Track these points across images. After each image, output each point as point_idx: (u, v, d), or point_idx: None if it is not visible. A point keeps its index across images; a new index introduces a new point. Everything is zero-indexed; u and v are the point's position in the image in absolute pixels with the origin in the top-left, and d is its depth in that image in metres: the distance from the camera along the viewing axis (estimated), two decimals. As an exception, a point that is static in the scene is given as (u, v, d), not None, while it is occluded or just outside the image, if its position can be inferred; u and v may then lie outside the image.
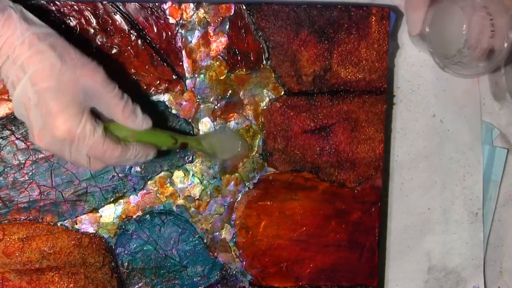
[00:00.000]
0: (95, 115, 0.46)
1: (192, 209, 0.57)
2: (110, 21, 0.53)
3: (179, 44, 0.55)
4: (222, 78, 0.56)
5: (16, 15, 0.43)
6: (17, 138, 0.53)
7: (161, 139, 0.51)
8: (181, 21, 0.54)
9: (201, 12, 0.55)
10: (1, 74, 0.44)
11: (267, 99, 0.57)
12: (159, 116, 0.55)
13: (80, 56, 0.45)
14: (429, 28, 0.55)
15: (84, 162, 0.46)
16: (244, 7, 0.55)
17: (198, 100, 0.56)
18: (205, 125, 0.56)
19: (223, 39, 0.55)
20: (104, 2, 0.53)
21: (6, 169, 0.54)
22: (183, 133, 0.55)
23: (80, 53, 0.45)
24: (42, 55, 0.43)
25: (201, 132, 0.56)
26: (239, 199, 0.58)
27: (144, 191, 0.56)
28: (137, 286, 0.57)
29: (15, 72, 0.43)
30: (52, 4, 0.52)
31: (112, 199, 0.55)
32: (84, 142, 0.44)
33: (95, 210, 0.55)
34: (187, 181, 0.57)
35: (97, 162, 0.47)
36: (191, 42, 0.55)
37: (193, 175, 0.57)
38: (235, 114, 0.57)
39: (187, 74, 0.55)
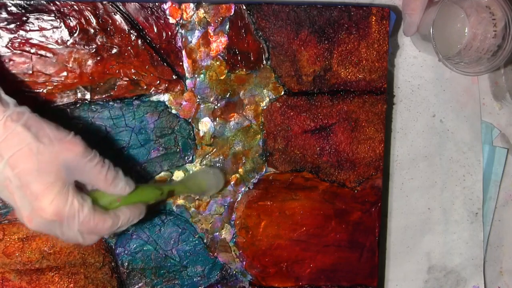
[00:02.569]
0: (78, 187, 0.45)
1: (192, 209, 0.57)
2: (110, 21, 0.53)
3: (179, 44, 0.55)
4: (222, 78, 0.56)
5: None
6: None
7: (147, 195, 0.49)
8: (181, 21, 0.54)
9: (201, 12, 0.55)
10: None
11: (267, 99, 0.57)
12: (159, 116, 0.55)
13: (55, 131, 0.43)
14: (432, 28, 0.55)
15: (78, 238, 0.45)
16: (244, 7, 0.55)
17: (198, 100, 0.56)
18: (205, 125, 0.56)
19: (223, 39, 0.55)
20: (104, 2, 0.53)
21: (6, 169, 0.54)
22: (163, 181, 0.55)
23: (55, 127, 0.43)
24: (18, 137, 0.41)
25: (201, 133, 0.56)
26: (239, 199, 0.58)
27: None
28: (137, 286, 0.57)
29: None
30: (52, 4, 0.52)
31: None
32: (74, 220, 0.43)
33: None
34: (187, 181, 0.57)
35: (91, 236, 0.46)
36: (191, 42, 0.55)
37: (193, 175, 0.57)
38: (235, 114, 0.57)
39: (187, 74, 0.55)
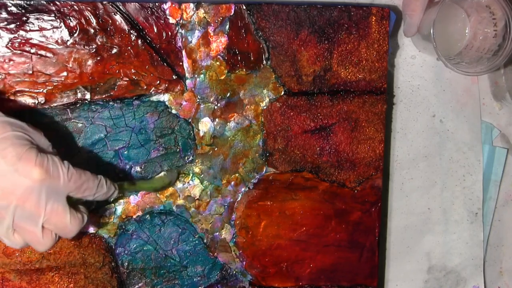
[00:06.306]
0: None
1: (192, 209, 0.57)
2: (110, 21, 0.53)
3: (179, 44, 0.55)
4: (222, 78, 0.56)
5: None
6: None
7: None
8: (181, 21, 0.54)
9: (201, 12, 0.55)
10: None
11: (267, 99, 0.57)
12: (159, 116, 0.55)
13: (11, 117, 0.44)
14: (432, 28, 0.55)
15: (66, 213, 0.43)
16: (244, 7, 0.55)
17: (198, 100, 0.56)
18: (205, 125, 0.56)
19: (223, 39, 0.55)
20: (104, 2, 0.53)
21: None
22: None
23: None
24: None
25: (201, 133, 0.56)
26: (239, 199, 0.58)
27: (144, 191, 0.56)
28: (137, 286, 0.57)
29: None
30: (52, 4, 0.52)
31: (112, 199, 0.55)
32: (59, 176, 0.42)
33: (95, 210, 0.55)
34: (187, 181, 0.57)
35: (74, 216, 0.44)
36: (191, 42, 0.55)
37: (193, 175, 0.57)
38: (235, 114, 0.57)
39: (187, 74, 0.55)
